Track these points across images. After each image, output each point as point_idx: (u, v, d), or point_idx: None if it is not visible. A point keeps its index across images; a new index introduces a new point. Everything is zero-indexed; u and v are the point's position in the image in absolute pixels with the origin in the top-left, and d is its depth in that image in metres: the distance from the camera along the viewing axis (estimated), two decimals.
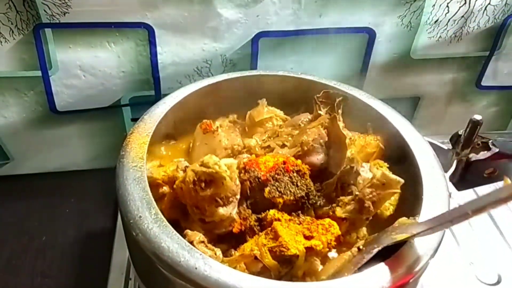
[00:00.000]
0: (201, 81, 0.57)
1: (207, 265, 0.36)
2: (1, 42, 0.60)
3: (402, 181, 0.44)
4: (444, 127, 0.54)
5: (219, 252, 0.40)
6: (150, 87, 0.68)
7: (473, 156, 0.50)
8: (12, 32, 0.59)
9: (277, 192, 0.44)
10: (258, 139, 0.54)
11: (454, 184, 0.52)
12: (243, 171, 0.46)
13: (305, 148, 0.50)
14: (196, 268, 0.36)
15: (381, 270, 0.37)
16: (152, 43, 0.64)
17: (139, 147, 0.46)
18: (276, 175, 0.45)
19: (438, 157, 0.48)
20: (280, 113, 0.57)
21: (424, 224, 0.40)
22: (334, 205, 0.45)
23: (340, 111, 0.51)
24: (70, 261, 0.65)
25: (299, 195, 0.45)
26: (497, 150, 0.49)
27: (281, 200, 0.44)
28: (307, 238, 0.41)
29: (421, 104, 0.81)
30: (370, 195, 0.44)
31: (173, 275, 0.36)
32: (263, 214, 0.44)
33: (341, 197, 0.46)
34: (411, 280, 0.38)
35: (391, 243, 0.40)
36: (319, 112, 0.53)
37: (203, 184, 0.42)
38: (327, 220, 0.43)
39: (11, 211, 0.71)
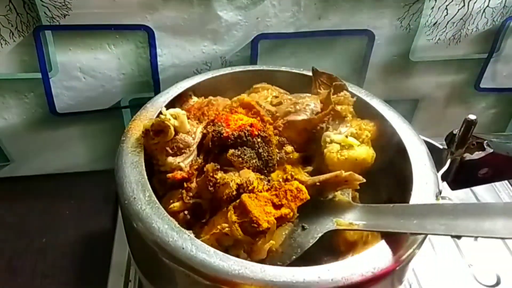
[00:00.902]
0: (205, 73, 0.59)
1: (194, 246, 0.38)
2: (1, 44, 0.60)
3: (364, 180, 0.45)
4: (443, 129, 0.54)
5: (191, 233, 0.41)
6: (150, 89, 0.69)
7: (467, 156, 0.50)
8: (12, 34, 0.60)
9: (239, 159, 0.45)
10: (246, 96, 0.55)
11: (448, 183, 0.52)
12: (210, 124, 0.48)
13: (297, 108, 0.51)
14: (183, 248, 0.37)
15: (367, 257, 0.38)
16: (152, 45, 0.64)
17: (139, 133, 0.48)
18: (239, 135, 0.46)
19: (432, 156, 0.49)
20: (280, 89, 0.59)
21: (359, 213, 0.43)
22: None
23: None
24: (70, 262, 0.65)
25: (258, 165, 0.46)
26: (491, 150, 0.49)
27: (242, 166, 0.45)
28: (277, 207, 0.42)
29: (420, 106, 0.81)
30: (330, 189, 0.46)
31: (162, 255, 0.38)
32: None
33: (300, 176, 0.46)
34: (397, 268, 0.38)
35: (332, 229, 0.42)
36: (318, 90, 0.55)
37: (151, 133, 0.45)
38: (295, 184, 0.43)
39: (12, 212, 0.71)
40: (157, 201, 0.41)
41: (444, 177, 0.49)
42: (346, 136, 0.49)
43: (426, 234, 0.40)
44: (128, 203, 0.41)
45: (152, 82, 0.68)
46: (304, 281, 0.36)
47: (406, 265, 0.40)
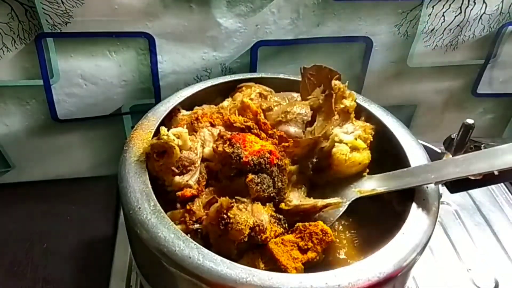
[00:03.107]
0: (204, 81, 0.59)
1: (200, 255, 0.38)
2: (4, 51, 0.60)
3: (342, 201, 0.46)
4: (440, 134, 0.54)
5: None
6: (150, 95, 0.69)
7: None
8: (14, 41, 0.60)
9: (257, 186, 0.44)
10: (230, 100, 0.56)
11: (447, 186, 0.53)
12: (227, 142, 0.46)
13: (288, 117, 0.52)
14: (190, 258, 0.38)
15: (369, 264, 0.39)
16: (152, 52, 0.65)
17: (141, 142, 0.48)
18: (259, 162, 0.45)
19: (431, 160, 0.50)
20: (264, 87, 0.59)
21: (382, 180, 0.47)
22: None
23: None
24: (71, 268, 0.65)
25: (272, 194, 0.45)
26: None
27: (258, 194, 0.44)
28: (303, 251, 0.41)
29: (418, 111, 0.81)
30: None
31: (168, 264, 0.38)
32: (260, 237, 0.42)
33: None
34: (399, 275, 0.39)
35: (356, 197, 0.46)
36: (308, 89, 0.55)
37: (155, 155, 0.45)
38: (320, 225, 0.43)
39: (13, 218, 0.71)
40: (162, 210, 0.41)
41: None
42: (356, 139, 0.49)
43: (444, 181, 0.43)
44: (133, 213, 0.41)
45: (152, 89, 0.68)
46: (311, 287, 0.36)
47: (408, 271, 0.41)
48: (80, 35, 0.61)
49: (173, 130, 0.46)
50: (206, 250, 0.38)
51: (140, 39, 0.64)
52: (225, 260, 0.37)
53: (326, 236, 0.42)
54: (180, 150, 0.46)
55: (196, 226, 0.43)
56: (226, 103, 0.56)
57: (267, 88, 0.59)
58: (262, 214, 0.43)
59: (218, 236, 0.42)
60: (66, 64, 0.63)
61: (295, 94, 0.57)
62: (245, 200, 0.44)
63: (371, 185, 0.47)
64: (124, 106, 0.70)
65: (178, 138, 0.46)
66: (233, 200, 0.43)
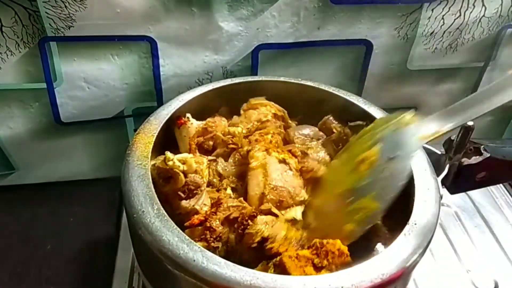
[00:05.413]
0: (206, 85, 0.59)
1: (204, 258, 0.38)
2: (7, 55, 0.61)
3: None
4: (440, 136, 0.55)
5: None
6: (152, 98, 0.69)
7: (465, 161, 0.51)
8: (18, 45, 0.60)
9: None
10: (243, 127, 0.56)
11: (447, 187, 0.53)
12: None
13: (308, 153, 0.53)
14: (194, 261, 0.38)
15: (372, 266, 0.39)
16: (154, 55, 0.65)
17: (144, 146, 0.49)
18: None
19: (432, 161, 0.50)
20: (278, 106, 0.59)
21: (442, 118, 0.44)
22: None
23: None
24: (74, 269, 0.65)
25: None
26: (488, 155, 0.50)
27: None
28: (317, 268, 0.41)
29: (418, 114, 0.81)
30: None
31: (173, 267, 0.38)
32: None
33: None
34: (401, 276, 0.39)
35: (422, 144, 0.44)
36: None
37: (161, 181, 0.45)
38: (337, 244, 0.42)
39: (16, 219, 0.72)
40: (165, 213, 0.41)
41: (443, 182, 0.50)
42: None
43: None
44: (136, 216, 0.41)
45: (154, 92, 0.69)
46: None
47: (410, 272, 0.41)
48: (83, 39, 0.62)
49: (178, 156, 0.47)
50: (210, 253, 0.38)
51: (142, 42, 0.64)
52: (229, 263, 0.38)
53: (342, 256, 0.41)
54: (186, 175, 0.46)
55: (217, 244, 0.43)
56: (239, 129, 0.55)
57: (281, 108, 0.59)
58: (281, 231, 0.43)
59: (235, 243, 0.43)
60: (69, 67, 0.64)
61: (310, 130, 0.58)
62: (273, 218, 0.44)
63: (431, 127, 0.45)
64: (126, 108, 0.70)
65: (183, 164, 0.46)
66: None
